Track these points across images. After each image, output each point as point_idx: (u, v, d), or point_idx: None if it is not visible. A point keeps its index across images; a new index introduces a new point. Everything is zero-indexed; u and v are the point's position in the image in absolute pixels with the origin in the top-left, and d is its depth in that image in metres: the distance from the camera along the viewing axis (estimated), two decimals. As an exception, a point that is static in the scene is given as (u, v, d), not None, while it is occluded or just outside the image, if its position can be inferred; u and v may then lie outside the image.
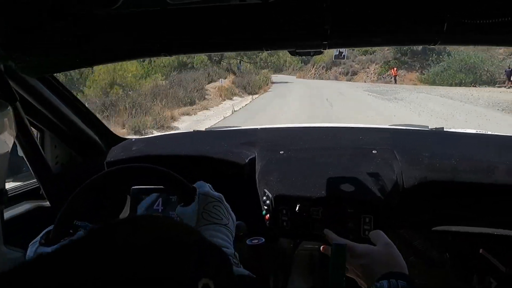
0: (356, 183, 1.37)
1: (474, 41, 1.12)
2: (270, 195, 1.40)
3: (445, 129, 1.80)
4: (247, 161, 1.57)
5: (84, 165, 1.78)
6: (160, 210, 1.29)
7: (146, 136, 2.10)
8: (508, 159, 1.40)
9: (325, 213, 1.36)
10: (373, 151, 1.51)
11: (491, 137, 1.73)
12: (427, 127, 1.88)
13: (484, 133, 1.80)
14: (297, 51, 1.18)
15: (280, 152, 1.58)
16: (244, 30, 1.11)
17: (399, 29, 1.05)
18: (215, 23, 1.08)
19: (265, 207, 1.42)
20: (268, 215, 1.42)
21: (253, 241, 1.27)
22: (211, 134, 1.98)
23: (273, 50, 1.22)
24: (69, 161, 1.76)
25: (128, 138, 1.96)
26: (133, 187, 1.36)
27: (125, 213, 1.60)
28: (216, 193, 0.97)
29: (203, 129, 2.10)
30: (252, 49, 1.36)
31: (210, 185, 1.00)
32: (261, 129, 1.92)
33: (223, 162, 1.59)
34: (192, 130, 2.09)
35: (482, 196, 1.38)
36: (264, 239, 1.28)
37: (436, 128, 1.83)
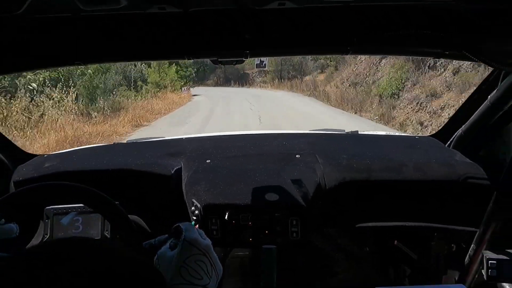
0: (282, 187, 1.41)
1: (380, 51, 1.23)
2: (198, 205, 1.38)
3: (359, 132, 1.95)
4: (173, 172, 1.53)
5: None
6: (80, 229, 1.20)
7: (59, 152, 1.94)
8: (414, 157, 1.55)
9: (254, 219, 1.38)
10: (297, 156, 1.58)
11: (399, 138, 1.92)
12: (344, 130, 2.02)
13: (393, 134, 1.98)
14: (219, 60, 1.19)
15: (207, 161, 1.57)
16: (164, 38, 1.09)
17: (315, 39, 1.11)
18: (134, 31, 1.05)
19: (194, 218, 1.40)
20: (197, 225, 1.40)
21: None
22: (133, 146, 1.89)
23: (195, 59, 1.21)
24: None
25: (38, 154, 1.79)
26: (46, 208, 1.25)
27: (38, 237, 1.46)
28: (204, 242, 0.83)
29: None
30: (173, 58, 1.35)
31: (202, 231, 0.87)
32: (186, 138, 1.89)
33: (147, 175, 1.53)
34: (112, 143, 1.99)
35: (396, 193, 1.52)
36: None
37: (351, 131, 1.97)
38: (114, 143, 1.99)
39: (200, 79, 36.43)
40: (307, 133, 1.97)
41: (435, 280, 1.55)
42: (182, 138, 1.90)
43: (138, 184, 1.54)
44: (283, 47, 1.16)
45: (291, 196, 1.38)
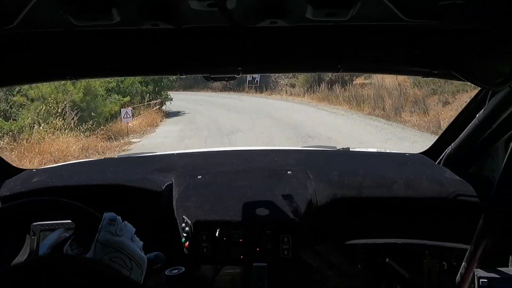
0: (273, 204, 1.40)
1: (370, 70, 1.26)
2: (189, 222, 1.36)
3: (350, 149, 1.96)
4: (163, 187, 1.52)
5: None
6: (66, 245, 1.17)
7: (49, 166, 1.91)
8: (405, 175, 1.56)
9: (245, 236, 1.36)
10: (288, 172, 1.57)
11: (390, 155, 1.93)
12: (335, 147, 2.03)
13: (383, 151, 2.00)
14: (211, 76, 1.20)
15: (198, 177, 1.56)
16: (157, 54, 1.09)
17: (306, 57, 1.13)
18: (126, 46, 1.05)
19: (184, 234, 1.38)
20: (187, 242, 1.38)
21: (172, 272, 1.23)
22: (124, 161, 1.88)
23: (188, 75, 1.22)
24: None
25: (26, 169, 1.76)
26: (33, 224, 1.22)
27: (24, 254, 1.42)
28: (116, 239, 0.87)
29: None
30: (166, 73, 1.35)
31: (118, 221, 0.90)
32: (177, 154, 1.88)
33: (138, 190, 1.51)
34: (102, 158, 1.97)
35: (387, 209, 1.52)
36: (184, 268, 1.24)
37: (343, 148, 1.98)
38: (104, 158, 1.97)
39: (201, 81, 23.55)
40: (299, 150, 1.98)
41: None
42: (173, 153, 1.89)
43: (128, 200, 1.52)
44: (274, 64, 1.18)
45: (283, 212, 1.38)
